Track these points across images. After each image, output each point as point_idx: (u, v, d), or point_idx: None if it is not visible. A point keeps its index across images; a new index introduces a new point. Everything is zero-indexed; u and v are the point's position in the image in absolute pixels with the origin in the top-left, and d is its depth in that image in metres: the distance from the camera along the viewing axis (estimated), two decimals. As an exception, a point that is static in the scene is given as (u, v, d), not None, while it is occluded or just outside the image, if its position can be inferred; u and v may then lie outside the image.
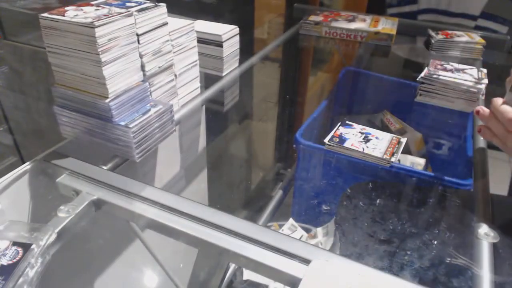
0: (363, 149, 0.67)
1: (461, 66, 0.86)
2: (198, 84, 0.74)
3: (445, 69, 0.84)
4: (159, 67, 0.60)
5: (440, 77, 0.80)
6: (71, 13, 0.49)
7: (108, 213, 0.51)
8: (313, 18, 1.16)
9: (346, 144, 0.67)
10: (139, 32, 0.53)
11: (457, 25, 1.24)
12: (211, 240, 0.44)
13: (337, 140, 0.68)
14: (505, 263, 0.51)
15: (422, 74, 0.81)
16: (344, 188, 0.80)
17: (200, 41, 0.77)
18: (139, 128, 0.53)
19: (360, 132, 0.71)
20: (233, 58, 0.86)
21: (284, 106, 1.49)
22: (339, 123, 0.74)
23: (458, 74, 0.82)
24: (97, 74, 0.50)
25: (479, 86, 0.78)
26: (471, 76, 0.82)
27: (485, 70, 0.85)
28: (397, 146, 0.68)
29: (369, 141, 0.69)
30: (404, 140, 0.70)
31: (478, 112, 0.62)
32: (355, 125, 0.73)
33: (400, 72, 1.19)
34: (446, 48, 1.03)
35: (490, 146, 0.67)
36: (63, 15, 0.48)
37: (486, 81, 0.80)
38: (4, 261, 0.39)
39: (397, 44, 1.11)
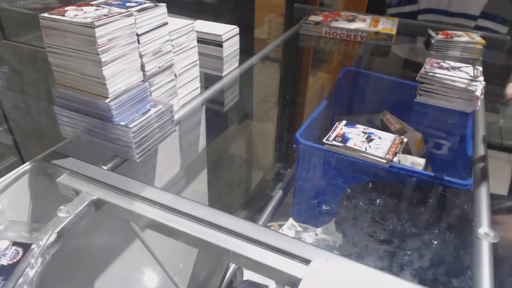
0: (366, 149, 0.67)
1: (457, 64, 0.86)
2: (198, 84, 0.74)
3: (441, 67, 0.84)
4: (159, 67, 0.60)
5: (436, 75, 0.80)
6: (71, 13, 0.49)
7: (108, 213, 0.51)
8: (313, 18, 1.16)
9: (349, 144, 0.67)
10: (139, 32, 0.53)
11: (457, 25, 1.24)
12: (211, 240, 0.44)
13: (340, 139, 0.68)
14: (505, 263, 0.51)
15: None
16: (344, 188, 0.80)
17: (200, 41, 0.77)
18: (139, 128, 0.53)
19: (363, 132, 0.71)
20: (233, 58, 0.86)
21: (284, 106, 1.49)
22: (337, 123, 0.74)
23: (454, 72, 0.82)
24: (97, 74, 0.50)
25: (475, 83, 0.78)
26: (467, 74, 0.82)
27: (480, 68, 0.85)
28: (399, 146, 0.68)
29: (372, 141, 0.69)
30: (406, 139, 0.70)
31: None
32: (358, 125, 0.73)
33: (400, 72, 1.20)
34: (446, 48, 1.03)
35: (490, 146, 0.67)
36: (63, 15, 0.48)
37: (481, 78, 0.80)
38: (4, 261, 0.39)
39: (397, 44, 1.11)
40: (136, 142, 0.53)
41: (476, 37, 1.03)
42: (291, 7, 1.34)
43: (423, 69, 0.83)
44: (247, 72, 0.91)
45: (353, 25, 1.12)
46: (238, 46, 0.86)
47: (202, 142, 0.91)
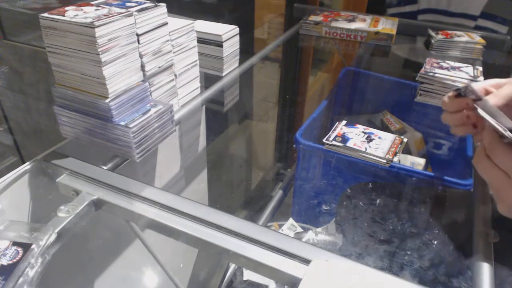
0: (366, 149, 0.67)
1: (457, 64, 0.86)
2: (198, 84, 0.74)
3: (441, 67, 0.84)
4: (159, 67, 0.60)
5: (436, 75, 0.80)
6: (71, 13, 0.49)
7: (108, 213, 0.51)
8: (313, 18, 1.16)
9: (349, 144, 0.67)
10: (139, 32, 0.53)
11: (457, 25, 1.24)
12: (211, 240, 0.44)
13: (340, 139, 0.68)
14: (505, 263, 0.51)
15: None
16: (344, 188, 0.80)
17: (200, 41, 0.77)
18: (139, 128, 0.53)
19: (363, 132, 0.71)
20: (233, 58, 0.86)
21: (284, 106, 1.49)
22: (337, 123, 0.74)
23: (454, 72, 0.82)
24: (97, 74, 0.50)
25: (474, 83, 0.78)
26: (466, 74, 0.82)
27: (480, 68, 0.85)
28: (399, 146, 0.68)
29: (371, 141, 0.69)
30: (406, 139, 0.70)
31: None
32: (358, 125, 0.73)
33: (400, 72, 1.19)
34: (446, 48, 1.03)
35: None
36: (63, 15, 0.48)
37: (481, 78, 0.80)
38: (4, 261, 0.39)
39: (397, 44, 1.11)
40: (136, 142, 0.53)
41: (476, 37, 1.03)
42: (291, 7, 1.34)
43: (423, 69, 0.83)
44: (247, 72, 0.91)
45: (353, 25, 1.12)
46: (238, 46, 0.86)
47: (202, 142, 0.91)
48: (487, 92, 0.48)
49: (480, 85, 0.49)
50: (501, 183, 0.41)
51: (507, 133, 0.39)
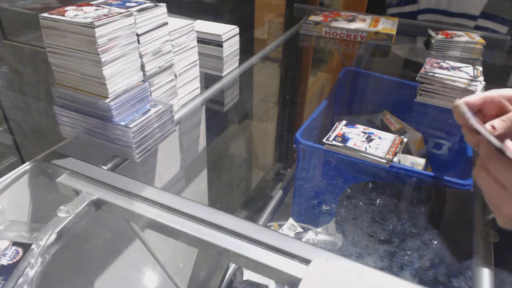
0: (366, 149, 0.67)
1: (457, 64, 0.86)
2: (198, 84, 0.74)
3: (441, 67, 0.84)
4: (159, 67, 0.60)
5: (436, 75, 0.81)
6: (71, 13, 0.49)
7: (108, 213, 0.51)
8: (313, 18, 1.16)
9: (349, 144, 0.67)
10: (139, 32, 0.53)
11: (457, 25, 1.24)
12: (211, 240, 0.44)
13: (340, 139, 0.68)
14: (505, 263, 0.51)
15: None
16: (344, 188, 0.80)
17: (200, 41, 0.77)
18: (139, 128, 0.53)
19: (363, 132, 0.71)
20: (233, 58, 0.86)
21: (284, 106, 1.49)
22: (337, 123, 0.74)
23: (454, 72, 0.82)
24: (97, 74, 0.50)
25: (474, 83, 0.78)
26: (466, 74, 0.82)
27: (480, 68, 0.85)
28: (399, 146, 0.68)
29: (371, 141, 0.69)
30: (405, 139, 0.70)
31: None
32: (358, 125, 0.73)
33: (400, 72, 1.19)
34: (446, 48, 1.03)
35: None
36: (63, 15, 0.48)
37: (481, 78, 0.80)
38: (4, 261, 0.39)
39: (397, 44, 1.11)
40: (136, 142, 0.53)
41: (476, 37, 1.03)
42: (291, 7, 1.34)
43: (423, 69, 0.83)
44: (247, 72, 0.92)
45: (353, 25, 1.12)
46: (238, 46, 0.86)
47: (202, 142, 0.90)
48: (504, 108, 0.44)
49: (494, 95, 0.45)
50: (498, 196, 0.41)
51: (501, 145, 0.39)
